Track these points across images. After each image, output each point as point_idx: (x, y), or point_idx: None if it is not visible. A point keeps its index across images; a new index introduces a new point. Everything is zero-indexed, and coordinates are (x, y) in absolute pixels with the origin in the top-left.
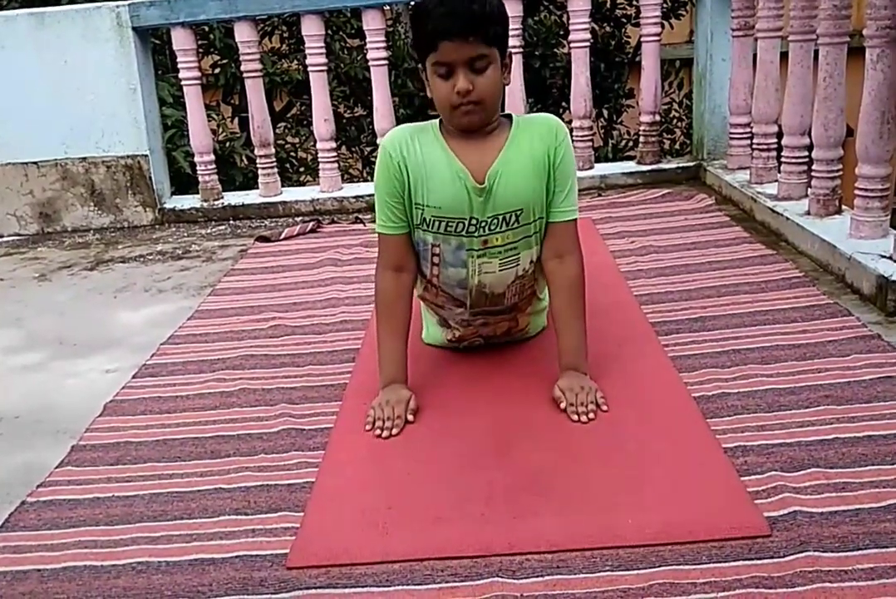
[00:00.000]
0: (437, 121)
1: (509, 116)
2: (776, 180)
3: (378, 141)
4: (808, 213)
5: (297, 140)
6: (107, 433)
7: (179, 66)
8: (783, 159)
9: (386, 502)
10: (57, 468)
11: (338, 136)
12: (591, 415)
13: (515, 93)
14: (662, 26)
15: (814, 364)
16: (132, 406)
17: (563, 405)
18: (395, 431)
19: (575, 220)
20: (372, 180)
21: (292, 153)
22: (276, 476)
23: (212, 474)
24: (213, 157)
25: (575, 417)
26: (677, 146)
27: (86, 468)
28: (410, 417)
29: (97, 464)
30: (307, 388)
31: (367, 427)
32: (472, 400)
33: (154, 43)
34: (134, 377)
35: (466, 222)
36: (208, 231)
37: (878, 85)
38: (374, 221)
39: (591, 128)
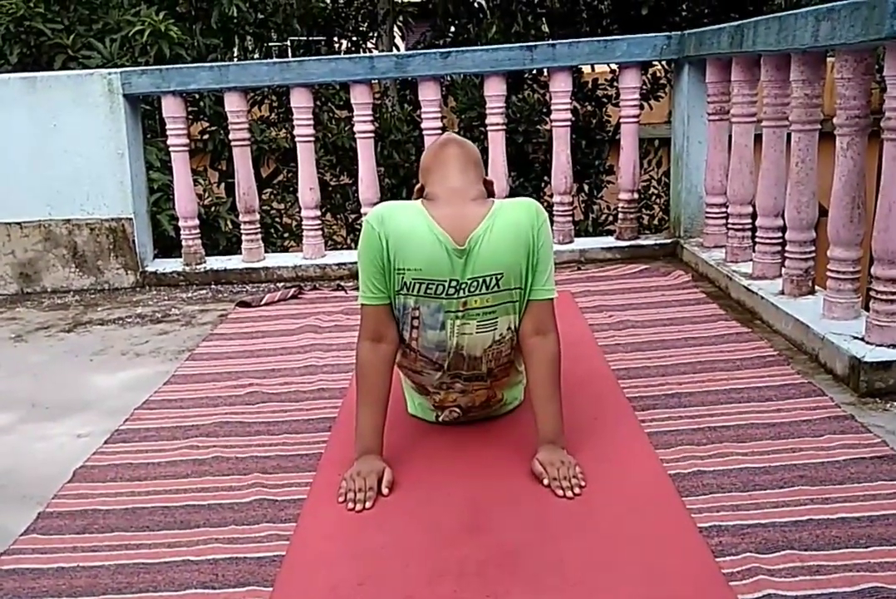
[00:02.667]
0: (420, 200)
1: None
2: (751, 259)
3: (363, 210)
4: (782, 292)
5: (282, 206)
6: (75, 500)
7: (168, 133)
8: (757, 240)
9: (357, 577)
10: (22, 535)
11: (323, 203)
12: (577, 490)
13: (498, 167)
14: (641, 108)
15: (788, 443)
16: (102, 473)
17: (545, 481)
18: (368, 504)
19: (553, 299)
20: (355, 248)
21: (277, 219)
22: (246, 549)
23: (180, 545)
24: (197, 222)
25: (560, 492)
26: (656, 222)
27: (52, 536)
28: (385, 490)
29: (63, 532)
30: (281, 457)
31: (340, 499)
32: (447, 473)
33: (144, 108)
34: (106, 442)
35: (446, 284)
36: (189, 295)
37: (848, 171)
38: (355, 289)
39: (571, 203)
